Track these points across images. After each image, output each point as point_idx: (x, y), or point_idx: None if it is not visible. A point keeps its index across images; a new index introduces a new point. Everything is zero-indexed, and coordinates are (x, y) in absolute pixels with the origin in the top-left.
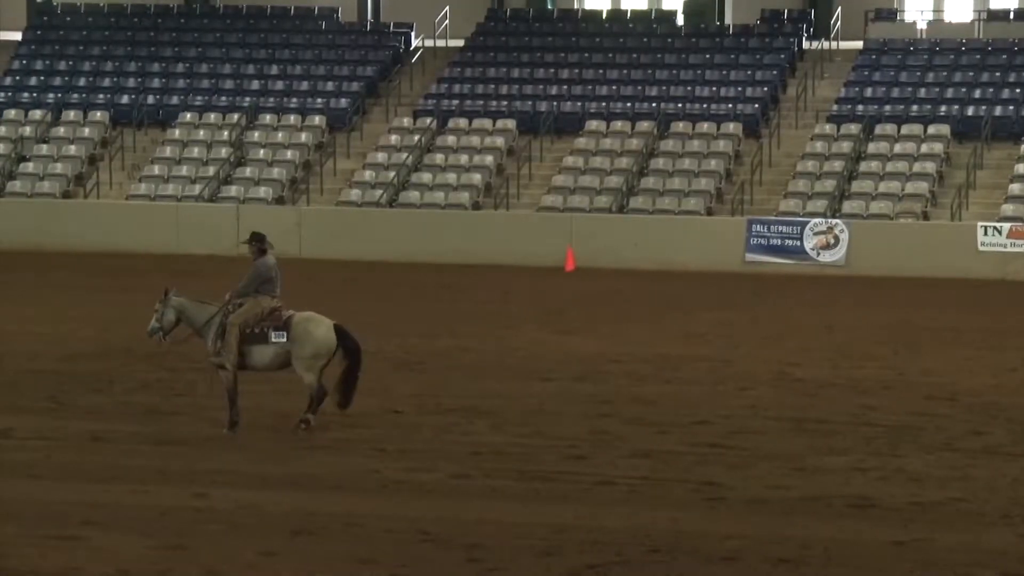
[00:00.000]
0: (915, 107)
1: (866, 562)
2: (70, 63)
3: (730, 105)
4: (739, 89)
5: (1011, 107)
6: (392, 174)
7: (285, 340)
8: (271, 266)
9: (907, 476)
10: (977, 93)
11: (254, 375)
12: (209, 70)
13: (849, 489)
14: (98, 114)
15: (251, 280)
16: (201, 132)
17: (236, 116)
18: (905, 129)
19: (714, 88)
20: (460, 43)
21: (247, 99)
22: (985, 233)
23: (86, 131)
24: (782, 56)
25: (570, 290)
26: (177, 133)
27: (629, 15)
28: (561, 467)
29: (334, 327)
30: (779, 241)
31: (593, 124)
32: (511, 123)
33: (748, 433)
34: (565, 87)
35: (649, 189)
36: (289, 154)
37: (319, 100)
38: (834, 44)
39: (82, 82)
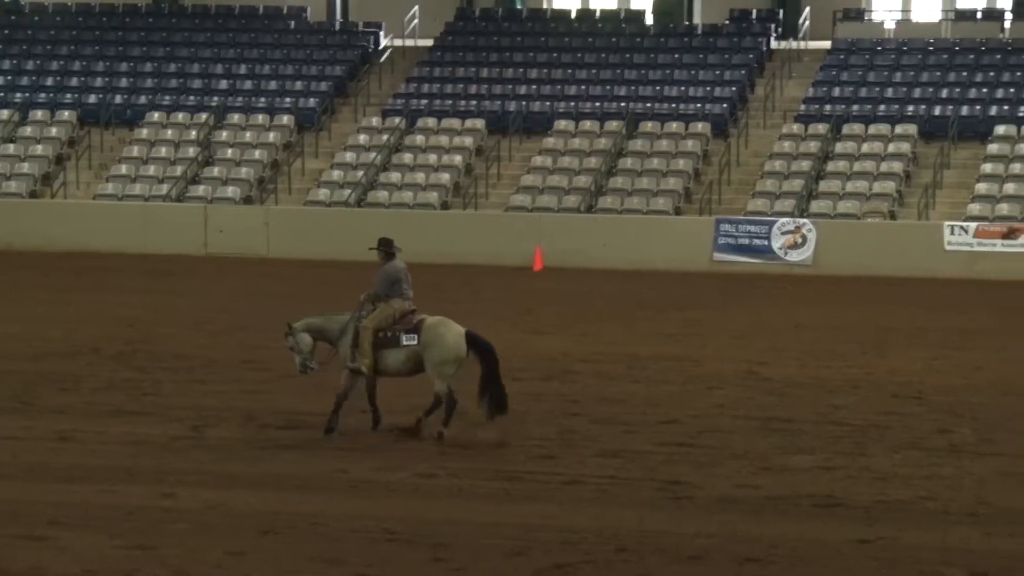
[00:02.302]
0: (882, 107)
1: (832, 561)
2: (38, 62)
3: (698, 105)
4: (707, 89)
5: (978, 107)
6: (360, 174)
7: (416, 343)
8: (399, 269)
9: (873, 475)
10: (944, 93)
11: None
12: (177, 69)
13: (816, 488)
14: (65, 113)
15: (381, 284)
16: (169, 132)
17: (204, 116)
18: (872, 129)
19: (683, 88)
20: (429, 43)
21: (215, 99)
22: (952, 232)
23: (53, 130)
24: (750, 56)
25: (539, 290)
26: (145, 133)
27: (598, 15)
28: (529, 467)
29: (466, 334)
30: (747, 240)
31: (562, 124)
32: (480, 123)
33: (716, 432)
34: (534, 87)
35: (618, 189)
36: (257, 154)
37: (287, 100)
38: (802, 44)
39: (50, 81)
